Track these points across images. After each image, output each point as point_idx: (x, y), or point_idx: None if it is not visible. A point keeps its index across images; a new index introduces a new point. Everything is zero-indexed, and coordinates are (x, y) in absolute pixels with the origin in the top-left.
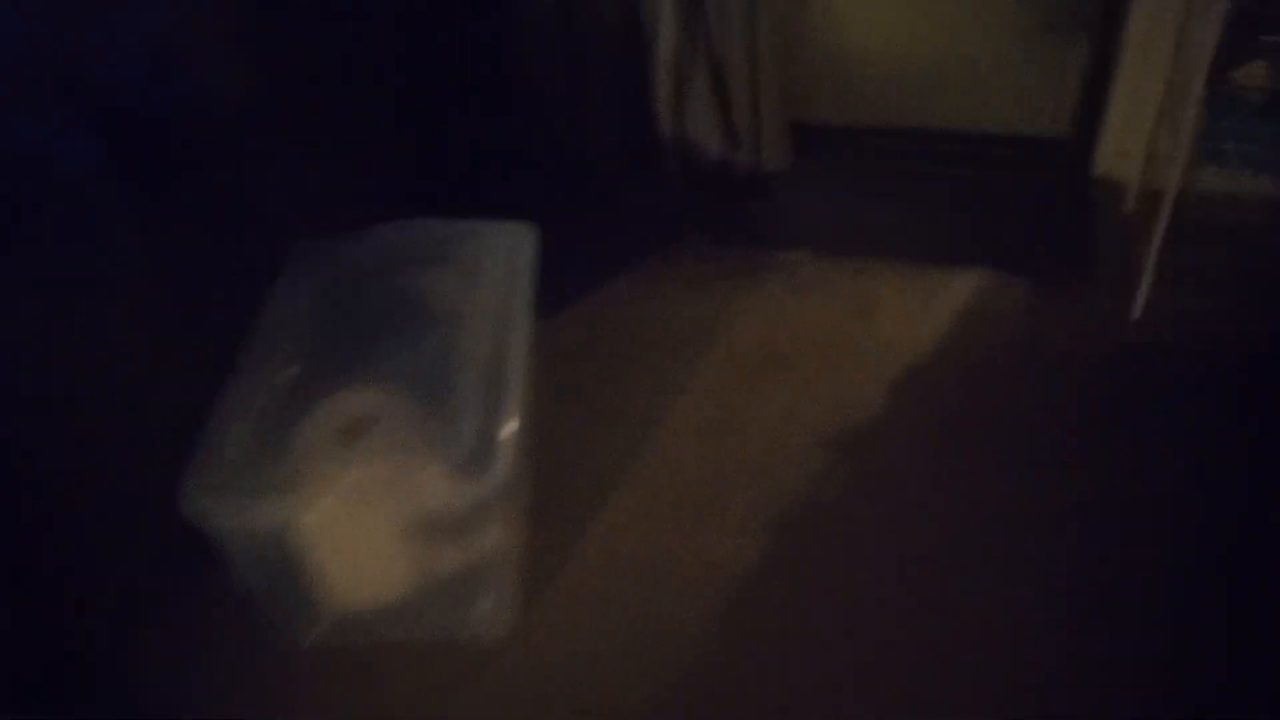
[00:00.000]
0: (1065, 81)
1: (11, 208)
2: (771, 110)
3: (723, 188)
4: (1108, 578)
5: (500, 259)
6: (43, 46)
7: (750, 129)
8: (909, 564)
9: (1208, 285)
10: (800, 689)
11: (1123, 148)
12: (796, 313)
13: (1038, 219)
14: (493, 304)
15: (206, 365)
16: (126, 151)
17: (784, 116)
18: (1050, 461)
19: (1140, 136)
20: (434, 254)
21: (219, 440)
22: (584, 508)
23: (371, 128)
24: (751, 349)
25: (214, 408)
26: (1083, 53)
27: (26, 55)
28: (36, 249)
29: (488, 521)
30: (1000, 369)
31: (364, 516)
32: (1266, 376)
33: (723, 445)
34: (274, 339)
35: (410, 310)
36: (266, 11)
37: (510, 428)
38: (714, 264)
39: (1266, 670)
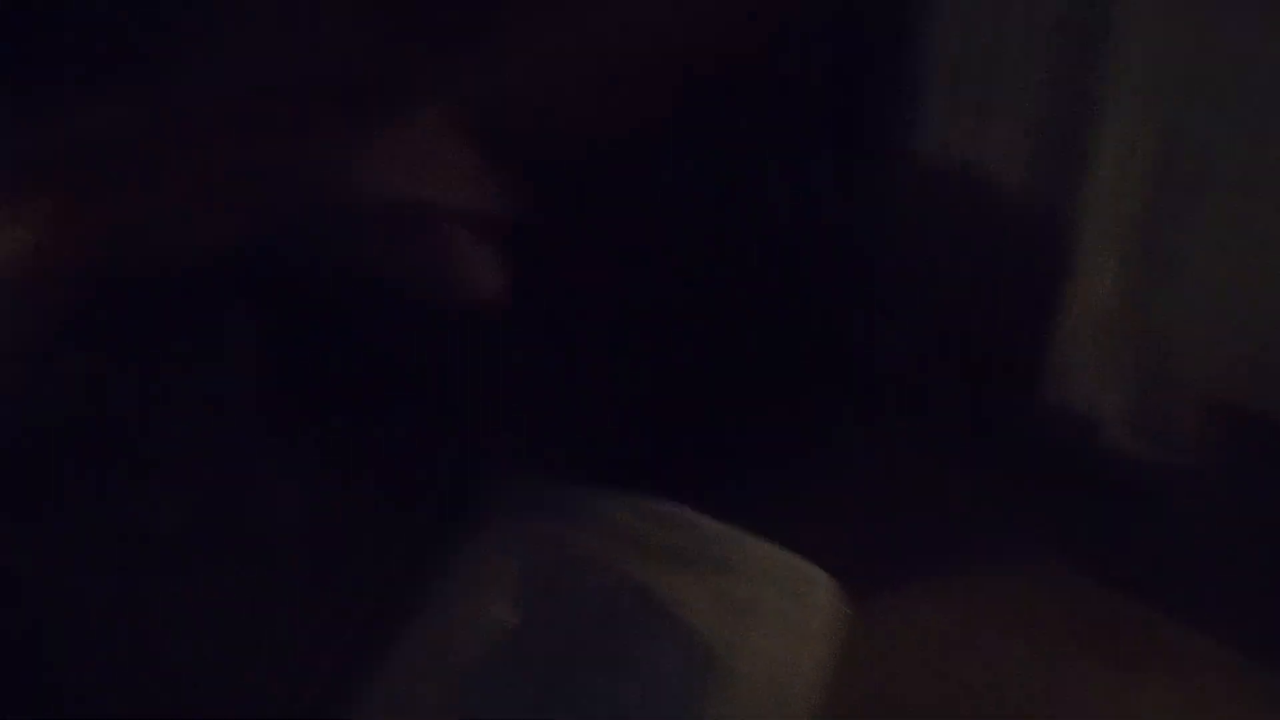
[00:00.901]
0: None
1: None
2: (1194, 388)
3: (1100, 485)
4: None
5: (783, 608)
6: None
7: (1160, 409)
8: None
9: None
10: None
11: None
12: None
13: None
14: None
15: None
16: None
17: (1208, 397)
18: None
19: None
20: (680, 563)
21: None
22: None
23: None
24: None
25: None
26: None
27: None
28: None
29: None
30: None
31: None
32: None
33: None
34: (432, 635)
35: (629, 651)
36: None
37: None
38: (1056, 609)
39: None
